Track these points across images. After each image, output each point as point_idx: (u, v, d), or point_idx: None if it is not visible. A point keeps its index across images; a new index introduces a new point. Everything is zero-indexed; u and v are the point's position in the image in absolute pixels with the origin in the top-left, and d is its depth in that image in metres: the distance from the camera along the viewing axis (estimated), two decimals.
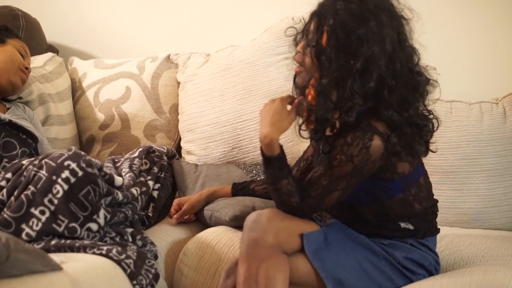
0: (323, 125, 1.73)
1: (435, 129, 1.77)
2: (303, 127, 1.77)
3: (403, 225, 1.76)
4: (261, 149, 1.73)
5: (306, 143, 2.50)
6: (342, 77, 1.66)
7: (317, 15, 1.71)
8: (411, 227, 1.76)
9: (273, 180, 1.73)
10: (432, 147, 1.79)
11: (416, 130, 1.72)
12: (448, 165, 2.31)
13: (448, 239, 2.04)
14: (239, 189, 2.15)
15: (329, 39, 1.67)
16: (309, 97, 1.73)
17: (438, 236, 1.90)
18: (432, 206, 1.81)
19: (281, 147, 1.73)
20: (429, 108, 1.77)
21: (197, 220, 2.23)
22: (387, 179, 1.72)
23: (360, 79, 1.64)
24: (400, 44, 1.68)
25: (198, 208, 2.19)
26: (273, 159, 1.72)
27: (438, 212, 1.85)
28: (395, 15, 1.70)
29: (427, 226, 1.79)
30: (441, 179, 2.27)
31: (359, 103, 1.65)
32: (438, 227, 1.85)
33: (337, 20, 1.66)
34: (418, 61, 1.74)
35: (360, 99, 1.65)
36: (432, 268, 1.79)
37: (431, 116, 1.77)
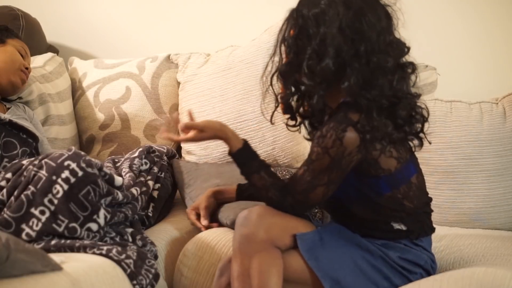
0: (291, 111, 1.80)
1: (425, 118, 1.76)
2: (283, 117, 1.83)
3: (395, 226, 1.76)
4: None
5: (306, 143, 2.51)
6: (301, 60, 1.70)
7: (288, 16, 1.77)
8: (403, 227, 1.76)
9: (245, 176, 1.81)
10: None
11: (386, 112, 1.69)
12: (448, 165, 2.31)
13: (448, 239, 2.03)
14: (243, 190, 2.10)
15: (294, 30, 1.72)
16: (280, 88, 1.80)
17: (438, 236, 1.89)
18: (424, 206, 1.81)
19: (244, 144, 1.81)
20: (417, 94, 1.75)
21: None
22: (372, 176, 1.71)
23: (316, 58, 1.67)
24: (364, 24, 1.67)
25: (213, 205, 2.12)
26: (234, 155, 1.81)
27: (432, 212, 1.83)
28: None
29: (420, 226, 1.78)
30: (441, 179, 2.26)
31: (318, 82, 1.67)
32: (434, 226, 1.84)
33: (298, 10, 1.72)
34: (391, 41, 1.71)
35: (319, 78, 1.67)
36: (428, 267, 1.79)
37: (417, 103, 1.74)
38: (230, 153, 1.82)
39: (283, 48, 1.75)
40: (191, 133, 1.84)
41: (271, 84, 1.79)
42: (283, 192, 1.74)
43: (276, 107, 1.81)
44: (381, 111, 1.68)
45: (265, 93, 1.80)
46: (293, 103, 1.79)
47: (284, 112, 1.82)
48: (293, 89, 1.76)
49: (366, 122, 1.66)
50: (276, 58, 1.78)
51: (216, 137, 1.84)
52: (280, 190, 1.75)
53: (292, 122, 1.85)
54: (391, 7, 1.73)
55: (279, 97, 1.79)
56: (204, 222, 2.09)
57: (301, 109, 1.80)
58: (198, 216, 2.12)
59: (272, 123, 1.84)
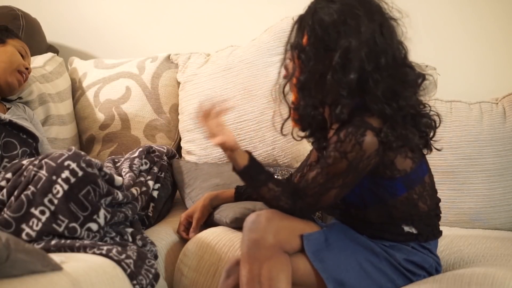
0: (307, 122, 1.76)
1: (437, 125, 1.77)
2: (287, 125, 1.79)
3: (406, 229, 1.75)
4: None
5: (306, 143, 2.51)
6: (322, 72, 1.68)
7: (299, 19, 1.74)
8: (414, 231, 1.76)
9: (253, 190, 1.77)
10: (436, 145, 1.79)
11: (411, 121, 1.71)
12: (448, 165, 2.31)
13: (448, 239, 2.03)
14: (241, 193, 2.13)
15: (309, 38, 1.70)
16: (292, 97, 1.75)
17: None
18: (435, 208, 1.81)
19: (250, 159, 1.75)
20: (428, 104, 1.77)
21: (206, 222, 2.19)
22: (388, 178, 1.71)
23: (341, 71, 1.66)
24: (384, 37, 1.68)
25: (208, 212, 2.14)
26: (240, 172, 1.76)
27: (441, 214, 1.84)
28: (376, 10, 1.71)
29: (430, 230, 1.79)
30: (441, 179, 2.26)
31: (344, 95, 1.66)
32: (441, 229, 1.84)
33: (316, 18, 1.69)
34: (406, 54, 1.73)
35: (344, 91, 1.66)
36: (432, 270, 1.79)
37: (430, 112, 1.76)
38: (236, 170, 1.76)
39: (293, 54, 1.73)
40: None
41: (283, 93, 1.76)
42: (293, 198, 1.73)
43: (288, 118, 1.78)
44: (406, 119, 1.69)
45: (280, 104, 1.76)
46: (305, 113, 1.74)
47: (297, 122, 1.78)
48: (312, 99, 1.72)
49: (391, 130, 1.66)
50: (290, 66, 1.76)
51: (228, 141, 1.74)
52: (290, 196, 1.73)
53: (302, 134, 1.83)
54: (394, 20, 1.73)
55: (296, 107, 1.75)
56: (191, 235, 2.10)
57: (314, 121, 1.76)
58: (190, 223, 2.14)
59: (283, 135, 1.82)
